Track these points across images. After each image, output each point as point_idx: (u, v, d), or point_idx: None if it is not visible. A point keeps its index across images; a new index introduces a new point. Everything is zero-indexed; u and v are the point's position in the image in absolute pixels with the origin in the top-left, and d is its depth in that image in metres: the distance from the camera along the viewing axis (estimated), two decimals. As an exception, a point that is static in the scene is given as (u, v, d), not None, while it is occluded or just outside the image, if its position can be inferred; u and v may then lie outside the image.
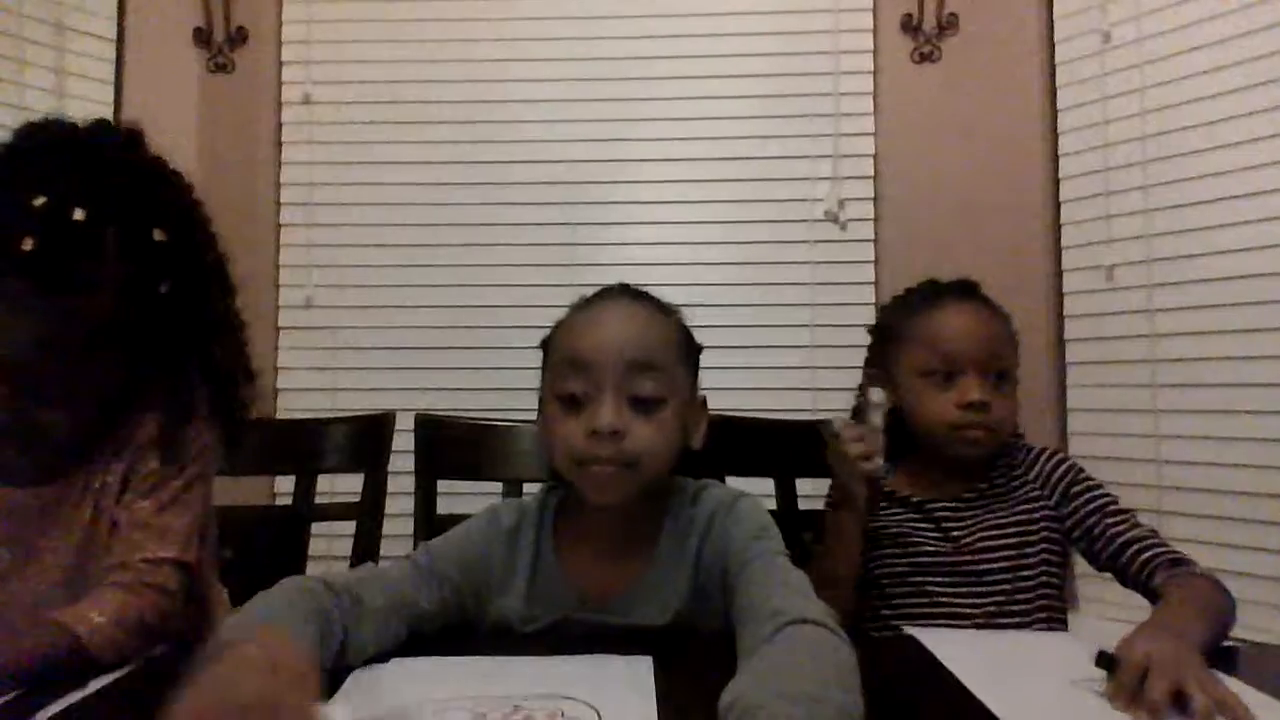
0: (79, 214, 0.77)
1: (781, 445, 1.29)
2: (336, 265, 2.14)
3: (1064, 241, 2.02)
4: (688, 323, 0.93)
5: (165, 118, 2.12)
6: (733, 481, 1.04)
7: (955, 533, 1.10)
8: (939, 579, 1.08)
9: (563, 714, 0.63)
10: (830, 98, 2.10)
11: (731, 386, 2.01)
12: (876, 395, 1.05)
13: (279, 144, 2.17)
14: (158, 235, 0.83)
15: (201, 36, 2.17)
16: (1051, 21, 2.05)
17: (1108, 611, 1.77)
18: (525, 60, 2.15)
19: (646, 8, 2.14)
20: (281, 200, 2.16)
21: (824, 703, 0.55)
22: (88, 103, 2.05)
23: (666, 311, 0.91)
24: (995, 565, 1.07)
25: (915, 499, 1.13)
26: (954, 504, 1.11)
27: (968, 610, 1.06)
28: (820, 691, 0.56)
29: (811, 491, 1.25)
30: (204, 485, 0.91)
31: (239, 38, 2.17)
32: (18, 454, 0.86)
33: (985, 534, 1.09)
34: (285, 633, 0.63)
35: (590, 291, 0.92)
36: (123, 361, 0.85)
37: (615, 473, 0.82)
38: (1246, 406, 1.73)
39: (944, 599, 1.07)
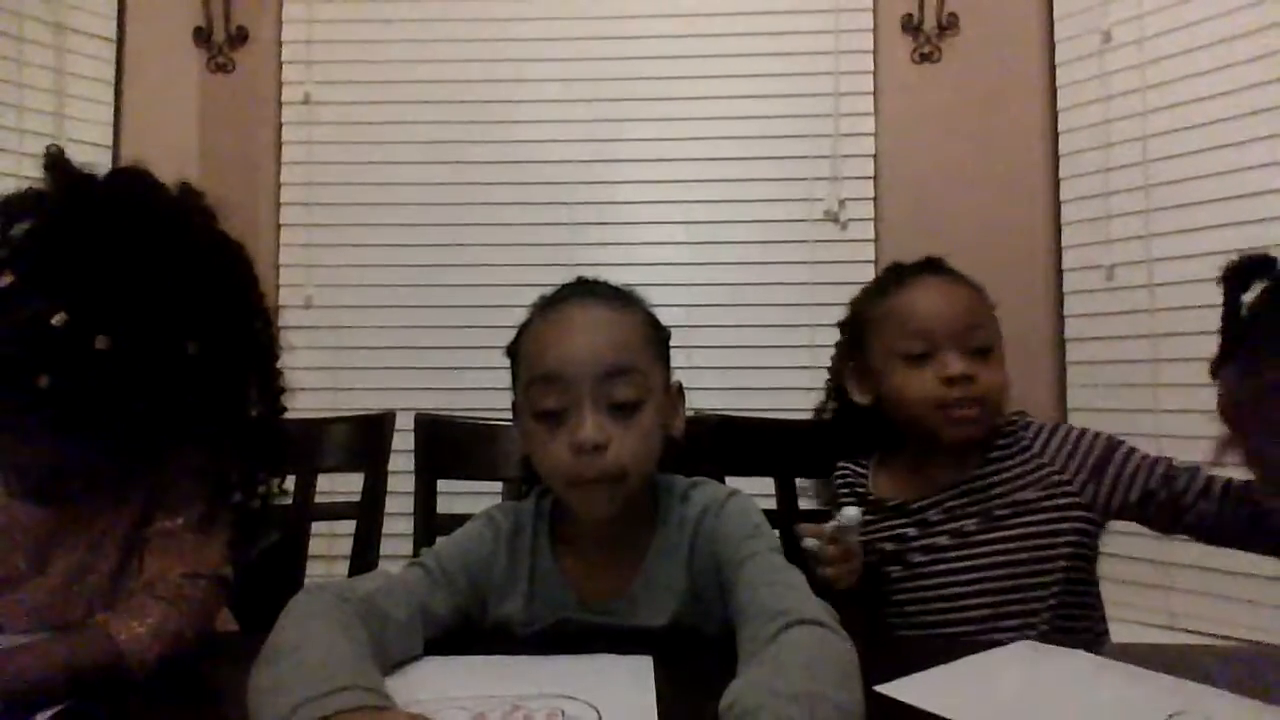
0: (102, 343, 0.70)
1: (781, 445, 1.28)
2: (336, 265, 2.15)
3: (1064, 241, 2.02)
4: (650, 307, 0.90)
5: (165, 118, 2.13)
6: (732, 481, 1.03)
7: (951, 531, 1.04)
8: (938, 580, 1.03)
9: (563, 714, 0.63)
10: (830, 98, 2.10)
11: (731, 386, 2.01)
12: (848, 517, 0.94)
13: (279, 144, 2.17)
14: (191, 349, 0.76)
15: (201, 36, 2.17)
16: (1051, 21, 2.05)
17: (1121, 614, 1.74)
18: (525, 61, 2.15)
19: (646, 8, 2.14)
20: (281, 200, 2.16)
21: (824, 702, 0.55)
22: (87, 103, 2.05)
23: (630, 304, 0.88)
24: (1001, 559, 1.01)
25: (903, 503, 1.07)
26: (948, 500, 1.05)
27: (974, 608, 1.01)
28: (820, 690, 0.56)
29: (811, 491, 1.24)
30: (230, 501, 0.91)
31: (239, 38, 2.17)
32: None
33: (987, 526, 1.03)
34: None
35: (550, 290, 0.90)
36: (145, 437, 0.81)
37: (605, 490, 0.81)
38: (1246, 407, 1.73)
39: (949, 600, 1.02)
